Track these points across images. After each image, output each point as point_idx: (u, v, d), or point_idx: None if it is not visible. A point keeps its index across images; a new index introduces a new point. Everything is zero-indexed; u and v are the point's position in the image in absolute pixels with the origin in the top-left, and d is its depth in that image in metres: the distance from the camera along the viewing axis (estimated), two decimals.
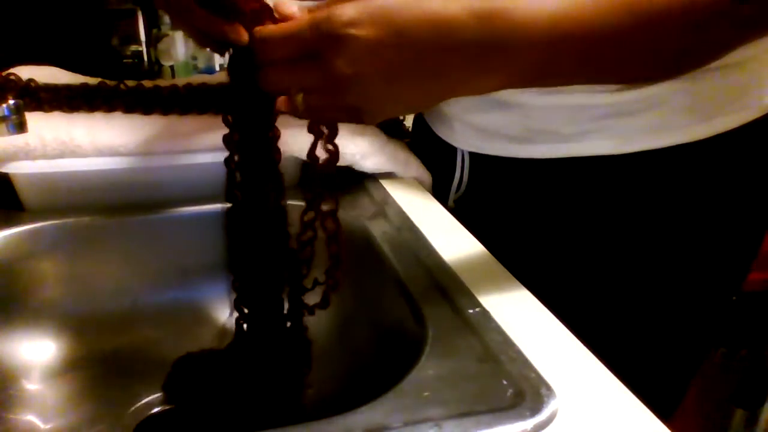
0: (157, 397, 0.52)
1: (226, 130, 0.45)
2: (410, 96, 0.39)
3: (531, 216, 0.62)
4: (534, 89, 0.55)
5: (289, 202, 0.46)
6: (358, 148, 0.62)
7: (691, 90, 0.52)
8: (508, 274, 0.49)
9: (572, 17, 0.36)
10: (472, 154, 0.65)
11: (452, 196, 0.69)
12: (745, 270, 0.63)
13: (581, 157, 0.57)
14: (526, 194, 0.62)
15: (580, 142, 0.56)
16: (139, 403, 0.51)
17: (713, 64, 0.50)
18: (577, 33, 0.37)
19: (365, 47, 0.35)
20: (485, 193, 0.66)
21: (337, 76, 0.36)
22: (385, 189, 0.64)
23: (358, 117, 0.39)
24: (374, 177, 0.66)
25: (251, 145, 0.45)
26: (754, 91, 0.54)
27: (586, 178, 0.58)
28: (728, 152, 0.55)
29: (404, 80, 0.37)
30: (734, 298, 0.65)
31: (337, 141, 0.41)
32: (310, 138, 0.41)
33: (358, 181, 0.65)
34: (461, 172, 0.66)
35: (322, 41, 0.36)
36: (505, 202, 0.64)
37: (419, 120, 0.74)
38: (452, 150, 0.66)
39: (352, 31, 0.35)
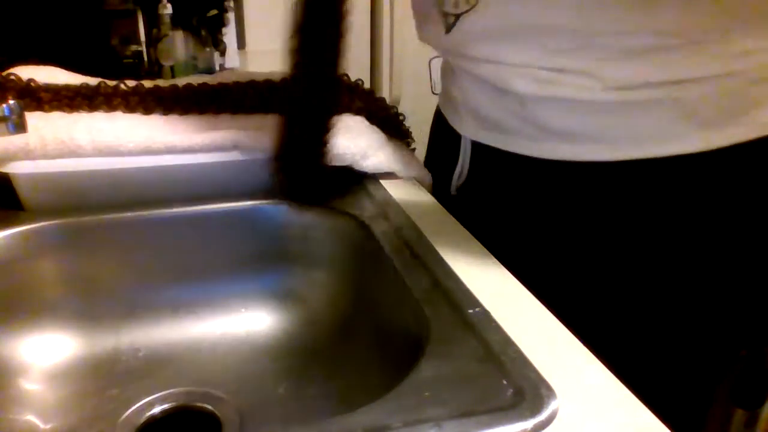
0: (157, 397, 0.52)
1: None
2: None
3: (524, 211, 0.62)
4: (528, 77, 0.55)
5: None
6: (358, 148, 0.62)
7: (684, 98, 0.51)
8: (508, 273, 0.49)
9: None
10: (474, 144, 0.66)
11: (454, 183, 0.69)
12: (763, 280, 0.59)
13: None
14: (519, 189, 0.62)
15: (572, 144, 0.56)
16: (140, 403, 0.51)
17: (708, 73, 0.49)
18: None
19: None
20: (484, 184, 0.66)
21: None
22: (385, 189, 0.64)
23: None
24: (374, 177, 0.65)
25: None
26: (754, 108, 0.51)
27: (574, 181, 0.57)
28: (729, 168, 0.53)
29: None
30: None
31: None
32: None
33: (358, 181, 0.65)
34: (463, 160, 0.67)
35: None
36: (501, 194, 0.64)
37: (437, 112, 0.75)
38: (459, 138, 0.67)
39: None
